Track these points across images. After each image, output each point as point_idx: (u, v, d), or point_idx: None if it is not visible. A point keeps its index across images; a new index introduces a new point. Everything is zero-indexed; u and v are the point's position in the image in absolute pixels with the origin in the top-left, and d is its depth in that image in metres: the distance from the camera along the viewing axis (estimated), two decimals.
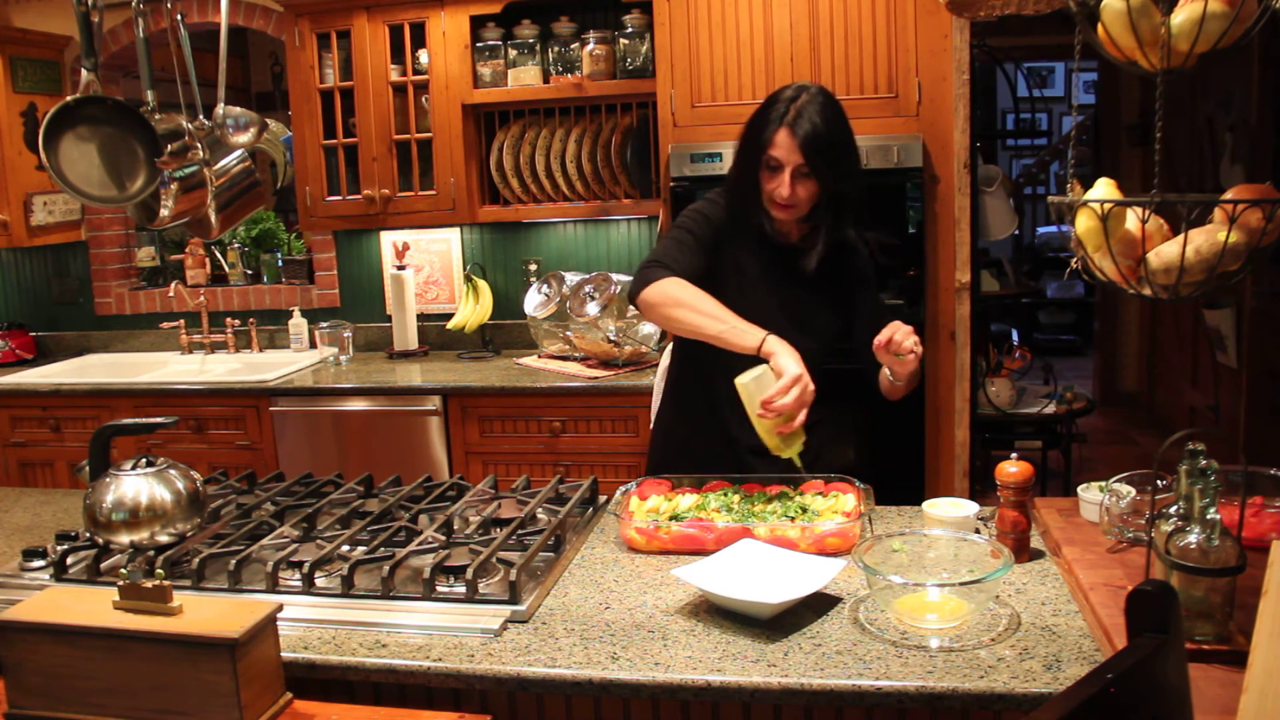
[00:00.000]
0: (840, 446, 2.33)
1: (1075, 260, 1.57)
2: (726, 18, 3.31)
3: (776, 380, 1.94)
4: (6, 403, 3.90)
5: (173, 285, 4.29)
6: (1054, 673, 1.40)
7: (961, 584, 1.54)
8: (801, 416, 1.95)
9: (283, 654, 1.50)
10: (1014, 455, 1.83)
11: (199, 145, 2.25)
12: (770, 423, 1.96)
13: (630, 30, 3.64)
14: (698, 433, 2.33)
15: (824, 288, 2.23)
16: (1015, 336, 5.77)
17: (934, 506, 1.85)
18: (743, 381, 1.98)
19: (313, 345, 4.19)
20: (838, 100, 2.12)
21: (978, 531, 1.79)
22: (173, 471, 1.93)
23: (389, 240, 4.20)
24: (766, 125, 2.07)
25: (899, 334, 2.00)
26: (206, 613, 1.45)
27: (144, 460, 1.93)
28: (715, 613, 1.63)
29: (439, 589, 1.70)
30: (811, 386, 1.94)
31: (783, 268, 2.21)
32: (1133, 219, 1.47)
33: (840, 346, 2.27)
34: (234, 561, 1.78)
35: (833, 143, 2.06)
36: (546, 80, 3.74)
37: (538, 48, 3.74)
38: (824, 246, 2.16)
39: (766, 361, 1.97)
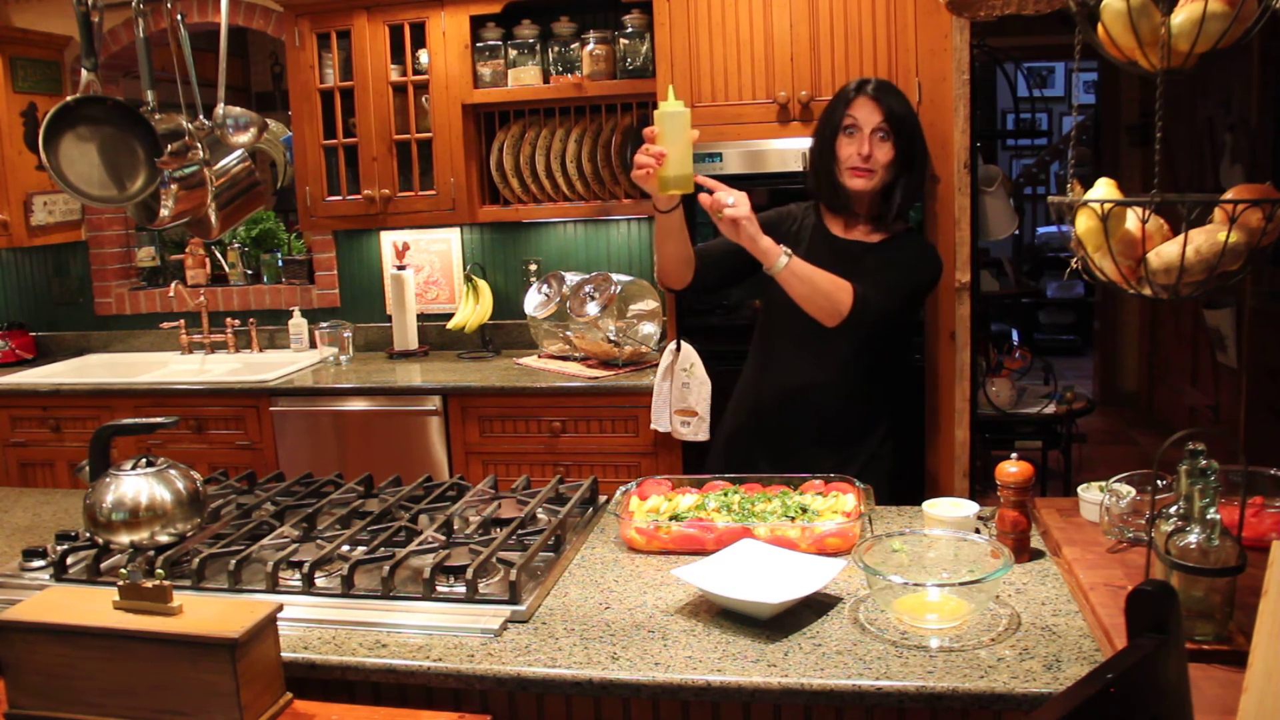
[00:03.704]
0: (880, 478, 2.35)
1: (1075, 260, 1.57)
2: (726, 18, 3.31)
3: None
4: (6, 403, 3.90)
5: (173, 285, 4.29)
6: (1054, 673, 1.40)
7: (961, 584, 1.54)
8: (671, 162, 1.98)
9: (283, 654, 1.50)
10: (1014, 455, 1.83)
11: (199, 145, 2.24)
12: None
13: (630, 30, 3.64)
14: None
15: (875, 267, 2.27)
16: (1015, 336, 5.77)
17: (934, 506, 1.85)
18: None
19: (313, 345, 4.19)
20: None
21: (978, 531, 1.79)
22: (173, 471, 1.93)
23: (389, 240, 4.20)
24: (845, 95, 2.24)
25: (719, 192, 2.04)
26: (206, 613, 1.45)
27: (144, 460, 1.93)
28: (715, 613, 1.63)
29: (439, 589, 1.70)
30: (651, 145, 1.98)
31: (838, 257, 2.27)
32: (1133, 219, 1.47)
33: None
34: (234, 561, 1.78)
35: (905, 114, 2.24)
36: (546, 80, 3.74)
37: (538, 48, 3.74)
38: (892, 215, 2.28)
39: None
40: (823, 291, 2.14)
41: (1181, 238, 1.41)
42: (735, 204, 2.04)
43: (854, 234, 2.31)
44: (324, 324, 4.09)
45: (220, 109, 2.25)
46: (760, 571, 1.70)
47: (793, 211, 2.40)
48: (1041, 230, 8.87)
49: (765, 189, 3.24)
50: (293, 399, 3.66)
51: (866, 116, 2.19)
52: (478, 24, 3.72)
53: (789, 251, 2.09)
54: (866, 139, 2.20)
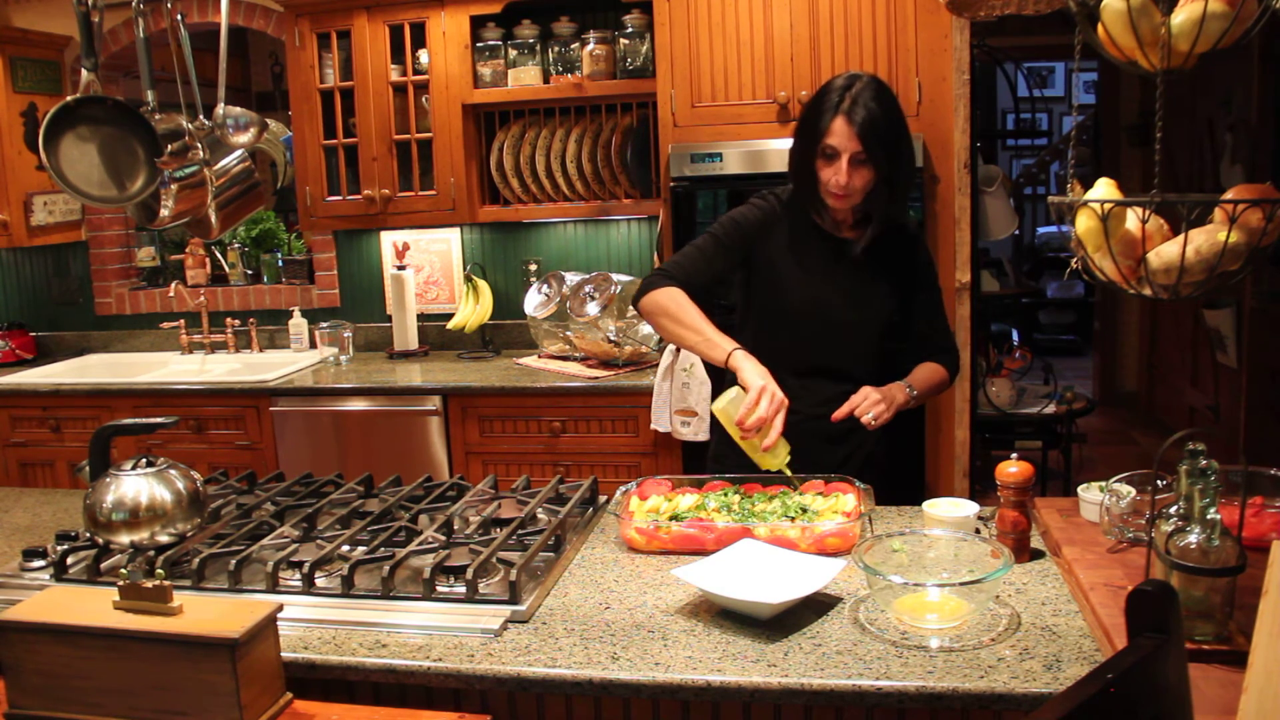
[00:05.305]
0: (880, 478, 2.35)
1: (1075, 260, 1.56)
2: (726, 18, 3.31)
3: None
4: (6, 403, 3.90)
5: (173, 285, 4.29)
6: (1054, 673, 1.40)
7: (961, 584, 1.54)
8: (778, 426, 1.97)
9: (283, 654, 1.50)
10: (1014, 455, 1.83)
11: (199, 145, 2.25)
12: (754, 440, 1.99)
13: (630, 30, 3.64)
14: None
15: (878, 270, 2.25)
16: (1015, 336, 5.77)
17: (934, 506, 1.85)
18: (718, 407, 2.03)
19: (313, 345, 4.19)
20: (889, 88, 2.14)
21: (978, 531, 1.79)
22: (173, 471, 1.93)
23: (389, 240, 4.20)
24: (822, 114, 2.09)
25: (859, 409, 2.10)
26: (206, 613, 1.45)
27: (144, 460, 1.93)
28: (715, 613, 1.63)
29: (439, 589, 1.69)
30: (780, 395, 1.98)
31: (831, 253, 2.24)
32: (1133, 219, 1.47)
33: (898, 346, 2.31)
34: (234, 561, 1.78)
35: (888, 129, 2.09)
36: (546, 80, 3.74)
37: (538, 48, 3.74)
38: (875, 229, 2.19)
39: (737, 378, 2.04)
40: (937, 387, 2.31)
41: (1181, 238, 1.41)
42: (875, 416, 2.09)
43: (844, 229, 2.27)
44: (324, 324, 4.09)
45: (220, 109, 2.25)
46: (760, 571, 1.70)
47: (773, 210, 2.28)
48: (1041, 230, 8.87)
49: (765, 189, 3.24)
50: (293, 399, 3.66)
51: (843, 143, 2.06)
52: (478, 24, 3.72)
53: (911, 386, 2.20)
54: (844, 168, 2.08)
